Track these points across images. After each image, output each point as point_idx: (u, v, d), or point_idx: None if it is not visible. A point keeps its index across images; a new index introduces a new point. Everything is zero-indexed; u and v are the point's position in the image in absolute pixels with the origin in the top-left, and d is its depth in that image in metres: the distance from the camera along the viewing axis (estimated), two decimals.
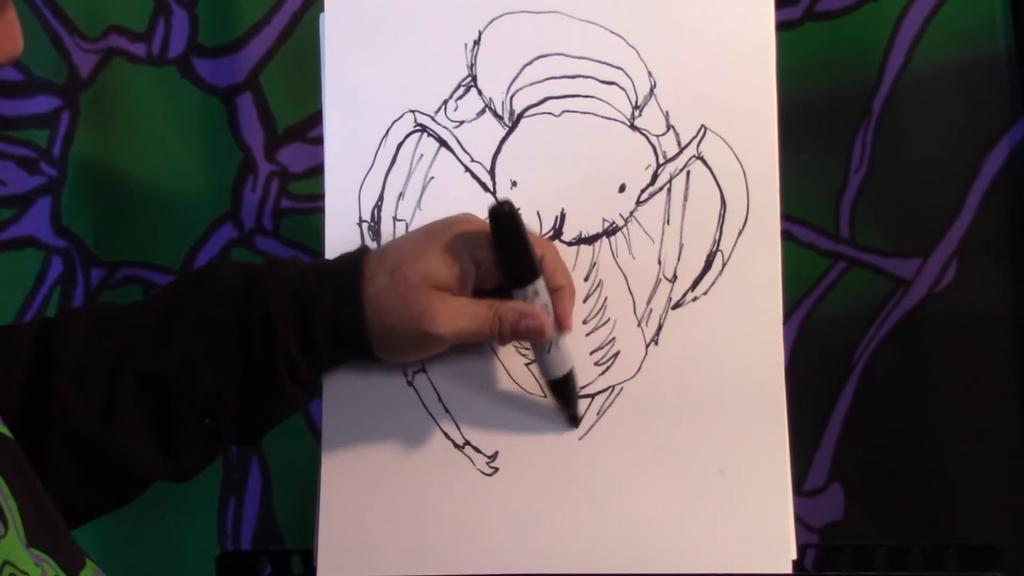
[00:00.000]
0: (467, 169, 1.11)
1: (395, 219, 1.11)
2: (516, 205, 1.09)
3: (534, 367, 1.09)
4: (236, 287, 1.04)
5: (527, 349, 1.09)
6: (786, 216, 1.10)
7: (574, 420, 1.08)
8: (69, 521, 0.99)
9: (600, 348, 1.09)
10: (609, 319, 1.09)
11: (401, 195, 1.11)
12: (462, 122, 1.11)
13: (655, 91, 1.10)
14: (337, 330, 1.04)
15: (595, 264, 1.09)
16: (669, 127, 1.10)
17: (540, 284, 1.04)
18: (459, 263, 1.04)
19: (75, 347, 1.04)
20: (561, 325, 1.06)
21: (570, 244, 1.09)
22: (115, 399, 1.03)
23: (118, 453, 1.04)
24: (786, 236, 1.10)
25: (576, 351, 1.08)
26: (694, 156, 1.09)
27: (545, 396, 1.09)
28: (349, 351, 1.06)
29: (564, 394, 1.08)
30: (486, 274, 1.05)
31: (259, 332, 1.03)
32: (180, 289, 1.08)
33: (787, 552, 1.06)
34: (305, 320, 1.03)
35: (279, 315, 1.03)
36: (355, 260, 1.05)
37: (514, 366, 1.09)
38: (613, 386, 1.09)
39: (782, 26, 1.11)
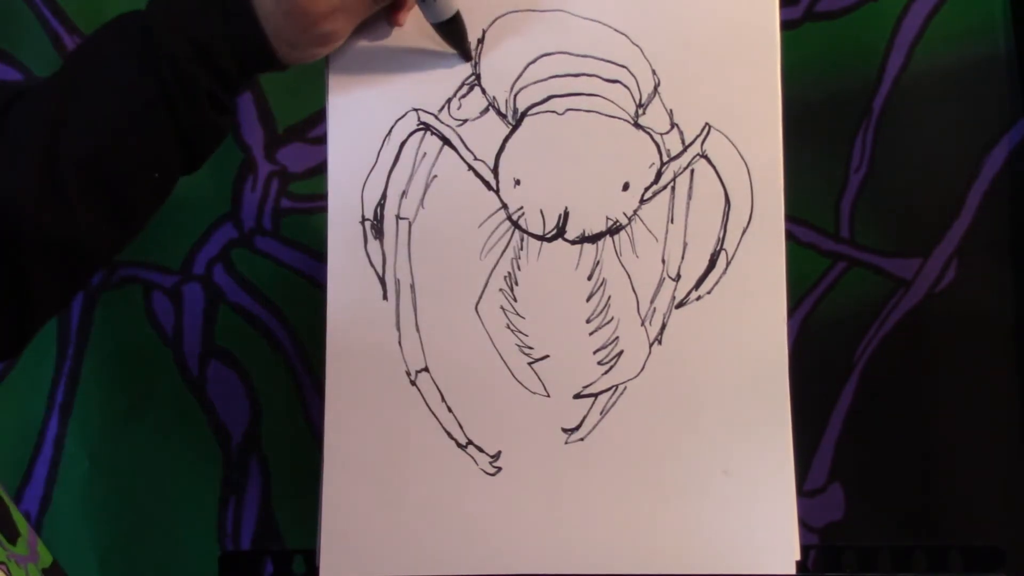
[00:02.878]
0: (470, 167, 1.11)
1: (398, 217, 1.11)
2: (519, 204, 1.09)
3: (537, 366, 1.09)
4: (137, 51, 1.05)
5: (530, 348, 1.09)
6: (786, 216, 1.10)
7: (467, 57, 1.11)
8: (32, 322, 1.05)
9: (603, 347, 1.09)
10: (612, 318, 1.09)
11: (404, 193, 1.11)
12: (465, 120, 1.11)
13: (659, 89, 1.10)
14: (244, 58, 1.07)
15: (598, 263, 1.09)
16: (673, 125, 1.10)
17: None
18: None
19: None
20: None
21: (573, 243, 1.09)
22: (67, 191, 1.03)
23: (79, 244, 1.05)
24: (786, 236, 1.09)
25: (580, 350, 1.08)
26: (698, 154, 1.09)
27: (549, 396, 1.09)
28: (260, 69, 1.09)
29: (454, 36, 1.10)
30: None
31: (176, 85, 1.04)
32: (82, 70, 1.07)
33: (791, 553, 1.06)
34: (213, 60, 1.05)
35: (188, 64, 1.04)
36: None
37: (518, 365, 1.09)
38: (616, 385, 1.09)
39: (782, 26, 1.11)
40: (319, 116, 1.14)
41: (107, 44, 1.07)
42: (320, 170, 1.14)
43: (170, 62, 1.04)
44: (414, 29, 1.11)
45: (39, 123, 1.03)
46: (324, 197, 1.12)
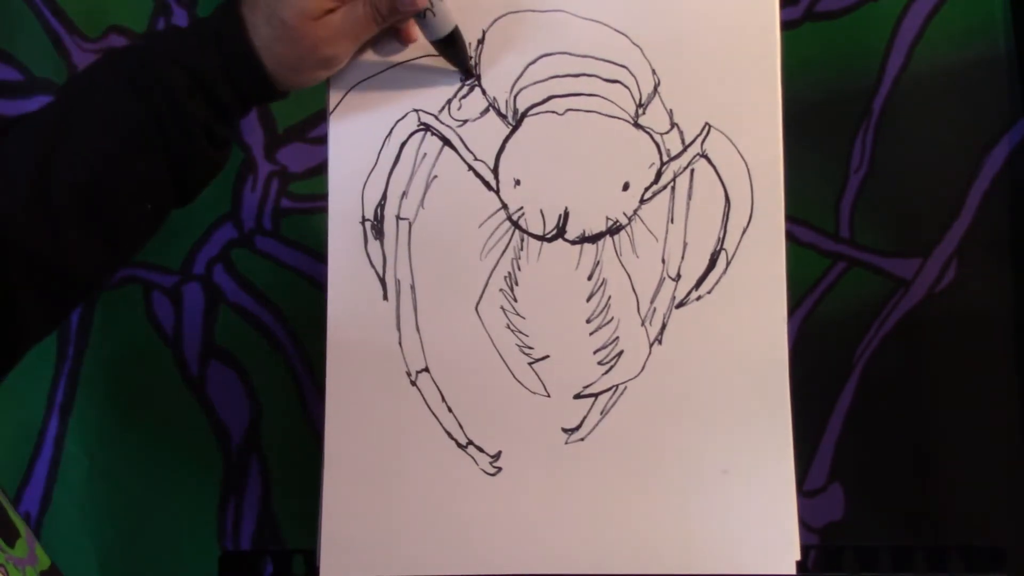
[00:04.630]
0: (470, 168, 1.11)
1: (398, 218, 1.11)
2: (519, 204, 1.09)
3: (538, 366, 1.09)
4: (132, 80, 1.05)
5: (530, 348, 1.09)
6: (786, 216, 1.10)
7: (468, 74, 1.11)
8: (18, 345, 1.05)
9: (604, 347, 1.09)
10: (613, 318, 1.09)
11: (404, 194, 1.11)
12: (466, 121, 1.11)
13: (659, 89, 1.10)
14: (241, 89, 1.06)
15: (599, 263, 1.09)
16: (673, 125, 1.10)
17: None
18: None
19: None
20: None
21: (574, 243, 1.09)
22: (58, 217, 1.03)
23: (67, 270, 1.05)
24: (786, 236, 1.09)
25: (580, 350, 1.08)
26: (698, 154, 1.09)
27: (549, 396, 1.09)
28: (259, 99, 1.09)
29: (453, 53, 1.10)
30: None
31: (170, 116, 1.04)
32: (76, 98, 1.07)
33: (791, 553, 1.06)
34: (209, 92, 1.05)
35: (183, 95, 1.04)
36: (231, 16, 1.06)
37: (518, 365, 1.09)
38: (617, 385, 1.09)
39: (782, 26, 1.11)
40: (319, 116, 1.14)
41: (103, 75, 1.07)
42: (320, 170, 1.14)
43: (166, 94, 1.04)
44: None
45: (33, 149, 1.03)
46: (324, 197, 1.12)
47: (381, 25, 1.08)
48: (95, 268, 1.07)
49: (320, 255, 1.12)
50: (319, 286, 1.13)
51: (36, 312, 1.05)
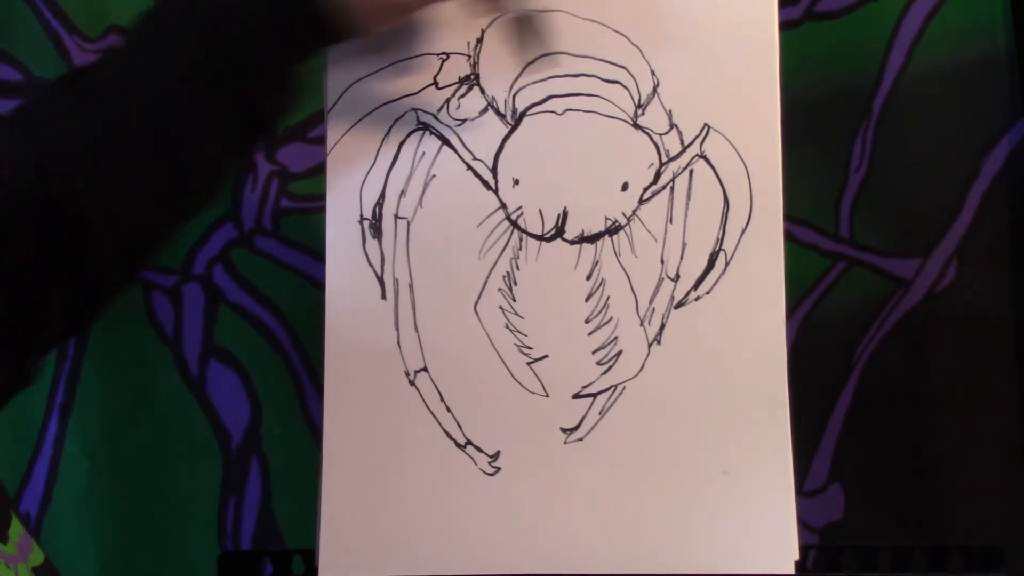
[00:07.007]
0: (469, 167, 1.11)
1: (396, 217, 1.11)
2: (518, 203, 1.09)
3: (536, 366, 1.09)
4: (188, 25, 1.01)
5: (529, 348, 1.09)
6: (786, 216, 1.10)
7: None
8: (100, 303, 1.03)
9: (602, 347, 1.09)
10: (611, 318, 1.09)
11: (403, 193, 1.11)
12: (464, 120, 1.11)
13: (658, 89, 1.10)
14: (293, 27, 1.01)
15: (597, 263, 1.09)
16: (672, 126, 1.10)
17: None
18: None
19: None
20: None
21: (572, 243, 1.09)
22: (122, 168, 0.99)
23: (133, 221, 1.01)
24: (786, 236, 1.09)
25: (578, 350, 1.08)
26: (697, 155, 1.09)
27: (547, 396, 1.09)
28: (314, 43, 1.04)
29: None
30: None
31: (229, 57, 1.00)
32: (137, 40, 1.04)
33: (790, 553, 1.06)
34: (262, 31, 1.01)
35: (237, 37, 1.00)
36: None
37: (516, 365, 1.09)
38: (615, 385, 1.09)
39: (782, 26, 1.11)
40: (319, 116, 1.14)
41: (158, 20, 1.03)
42: (320, 170, 1.14)
43: (222, 36, 1.00)
44: (415, 28, 1.12)
45: (100, 92, 1.00)
46: (324, 197, 1.13)
47: None
48: (160, 218, 1.03)
49: (320, 255, 1.13)
50: (319, 286, 1.14)
51: (103, 268, 1.01)
